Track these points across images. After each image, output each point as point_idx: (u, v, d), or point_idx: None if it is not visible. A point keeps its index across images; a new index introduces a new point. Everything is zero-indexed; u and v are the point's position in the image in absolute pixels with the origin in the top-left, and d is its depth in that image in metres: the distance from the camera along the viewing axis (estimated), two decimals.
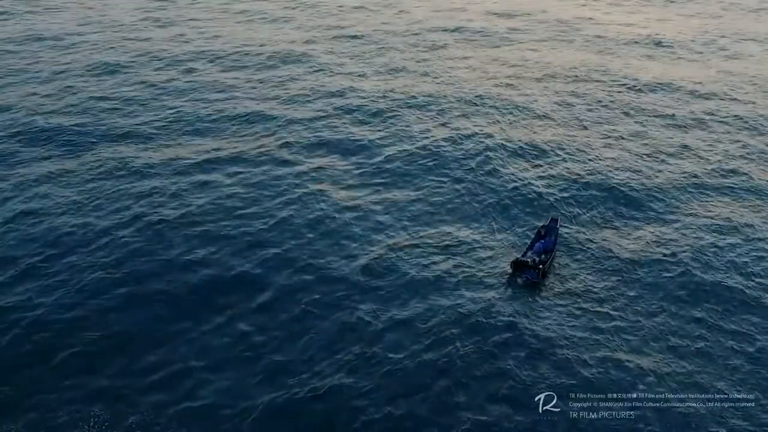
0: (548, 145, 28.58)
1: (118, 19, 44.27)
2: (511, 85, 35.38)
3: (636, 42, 43.63)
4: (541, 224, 22.48)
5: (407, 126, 29.92)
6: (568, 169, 26.82)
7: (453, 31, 44.54)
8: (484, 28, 45.46)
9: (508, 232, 22.79)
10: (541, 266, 20.15)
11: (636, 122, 31.31)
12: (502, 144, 28.48)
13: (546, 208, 24.02)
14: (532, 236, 22.01)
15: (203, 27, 43.72)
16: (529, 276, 20.19)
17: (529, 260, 20.43)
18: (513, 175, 26.15)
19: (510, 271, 20.38)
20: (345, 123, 30.01)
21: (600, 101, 33.58)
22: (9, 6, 46.07)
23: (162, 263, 20.19)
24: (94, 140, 27.48)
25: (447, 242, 21.94)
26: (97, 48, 38.31)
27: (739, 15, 52.06)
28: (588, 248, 21.83)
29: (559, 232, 22.21)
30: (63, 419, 14.95)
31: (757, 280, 20.44)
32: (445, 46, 41.59)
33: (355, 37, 42.66)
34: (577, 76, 37.00)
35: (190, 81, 34.12)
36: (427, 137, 28.83)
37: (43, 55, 36.87)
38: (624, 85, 35.90)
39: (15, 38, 39.41)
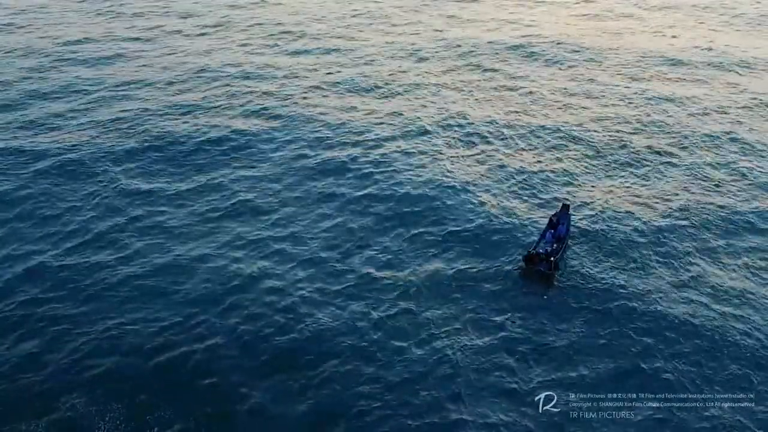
0: (552, 167, 27.44)
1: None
2: (514, 111, 33.06)
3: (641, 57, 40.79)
4: (552, 213, 22.58)
5: (400, 149, 28.64)
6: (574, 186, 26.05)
7: (446, 49, 41.60)
8: (478, 43, 42.54)
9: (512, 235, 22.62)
10: (552, 258, 20.24)
11: (644, 138, 29.91)
12: (504, 166, 27.34)
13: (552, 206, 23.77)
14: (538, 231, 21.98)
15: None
16: (541, 268, 20.29)
17: (541, 251, 20.56)
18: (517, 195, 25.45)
19: (523, 265, 20.52)
20: (343, 142, 29.14)
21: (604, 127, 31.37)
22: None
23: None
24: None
25: (454, 237, 22.20)
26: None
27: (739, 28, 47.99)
28: (594, 252, 21.67)
29: (571, 219, 22.28)
30: None
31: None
32: (442, 63, 39.06)
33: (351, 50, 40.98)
34: (578, 94, 34.94)
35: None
36: (423, 159, 27.78)
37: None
38: (632, 101, 33.99)
39: None
